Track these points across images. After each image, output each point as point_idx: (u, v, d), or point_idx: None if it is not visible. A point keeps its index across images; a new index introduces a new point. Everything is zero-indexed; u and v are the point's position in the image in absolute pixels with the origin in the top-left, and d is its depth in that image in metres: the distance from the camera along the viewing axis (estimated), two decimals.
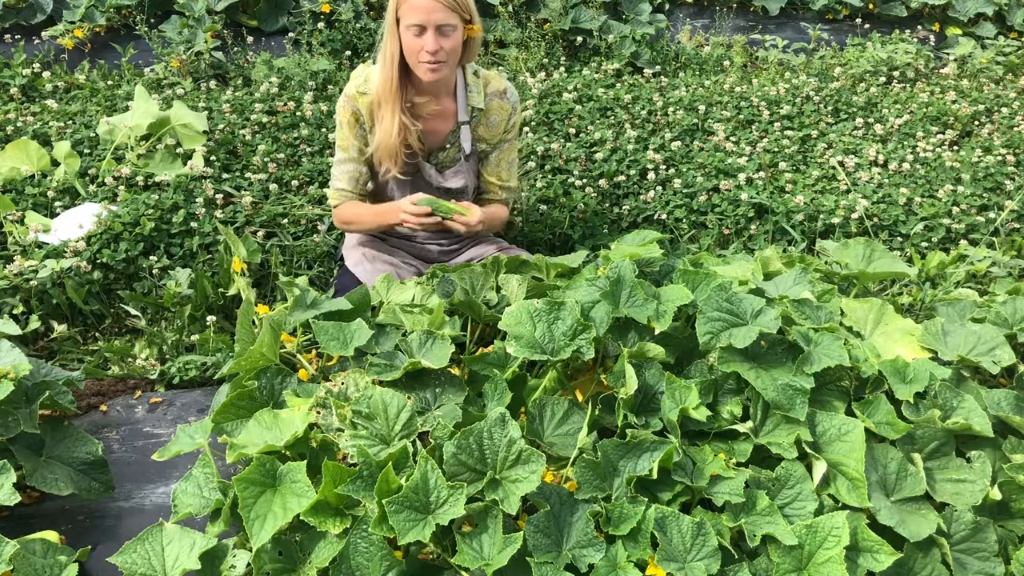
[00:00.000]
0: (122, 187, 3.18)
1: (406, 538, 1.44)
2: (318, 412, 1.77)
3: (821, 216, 3.35)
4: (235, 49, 4.53)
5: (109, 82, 4.25)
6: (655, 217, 3.40)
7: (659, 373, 1.80)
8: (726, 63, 4.93)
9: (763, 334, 1.81)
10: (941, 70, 5.06)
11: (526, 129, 3.92)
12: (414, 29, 2.30)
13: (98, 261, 2.84)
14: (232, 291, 2.76)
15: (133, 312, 2.73)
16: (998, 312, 2.15)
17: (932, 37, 5.50)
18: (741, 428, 1.75)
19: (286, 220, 3.15)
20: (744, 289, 2.02)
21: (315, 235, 3.09)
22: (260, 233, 3.08)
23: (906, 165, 3.80)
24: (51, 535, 1.78)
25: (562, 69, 4.63)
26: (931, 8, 5.60)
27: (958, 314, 2.23)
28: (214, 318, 2.66)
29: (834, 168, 3.75)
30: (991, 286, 2.89)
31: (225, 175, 3.35)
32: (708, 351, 1.88)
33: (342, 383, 1.86)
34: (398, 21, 2.35)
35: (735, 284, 2.02)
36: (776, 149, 3.89)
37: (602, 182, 3.53)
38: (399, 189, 2.65)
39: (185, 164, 3.31)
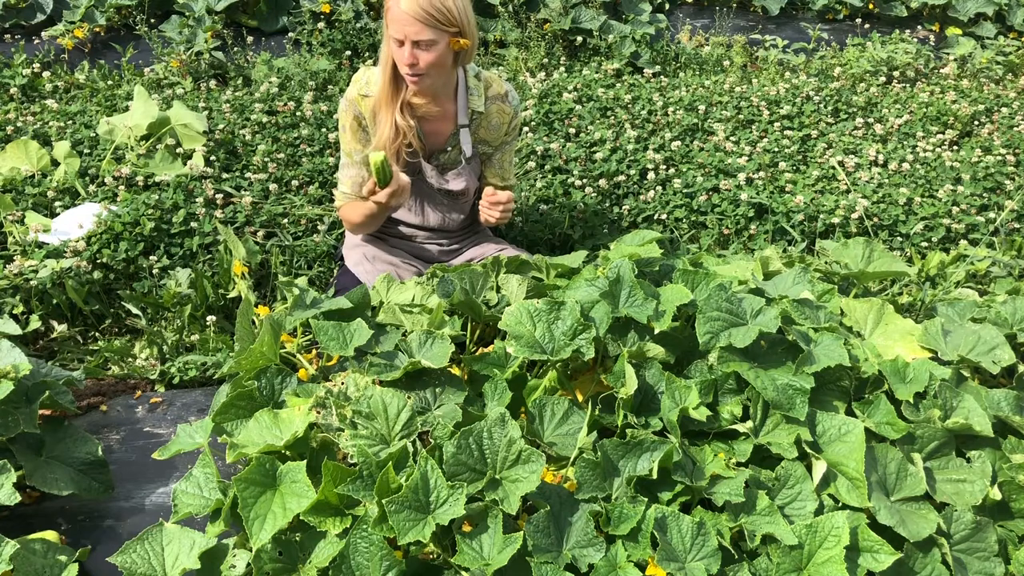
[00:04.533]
0: (122, 187, 3.18)
1: (406, 538, 1.44)
2: (318, 412, 1.77)
3: (821, 216, 3.35)
4: (235, 49, 4.53)
5: (109, 82, 4.25)
6: (655, 217, 3.40)
7: (659, 373, 1.80)
8: (726, 63, 4.93)
9: (763, 334, 1.81)
10: (941, 70, 5.06)
11: (526, 129, 3.92)
12: (395, 41, 2.30)
13: (98, 261, 2.84)
14: (233, 293, 2.76)
15: (133, 312, 2.74)
16: (998, 312, 2.15)
17: (932, 37, 5.50)
18: (741, 428, 1.75)
19: (286, 220, 3.15)
20: (744, 289, 2.03)
21: (315, 235, 3.09)
22: (260, 233, 3.08)
23: (906, 165, 3.80)
24: (51, 535, 1.78)
25: (562, 69, 4.63)
26: (931, 8, 5.61)
27: (958, 314, 2.23)
28: (214, 318, 2.66)
29: (834, 168, 3.75)
30: (991, 286, 2.89)
31: (225, 175, 3.35)
32: (708, 351, 1.88)
33: (342, 383, 1.86)
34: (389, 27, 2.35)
35: (735, 284, 2.02)
36: (776, 149, 3.89)
37: (602, 182, 3.53)
38: None
39: (185, 164, 3.30)
